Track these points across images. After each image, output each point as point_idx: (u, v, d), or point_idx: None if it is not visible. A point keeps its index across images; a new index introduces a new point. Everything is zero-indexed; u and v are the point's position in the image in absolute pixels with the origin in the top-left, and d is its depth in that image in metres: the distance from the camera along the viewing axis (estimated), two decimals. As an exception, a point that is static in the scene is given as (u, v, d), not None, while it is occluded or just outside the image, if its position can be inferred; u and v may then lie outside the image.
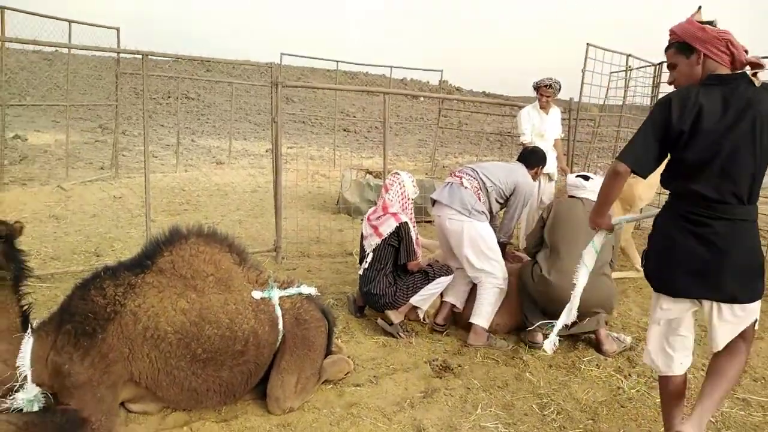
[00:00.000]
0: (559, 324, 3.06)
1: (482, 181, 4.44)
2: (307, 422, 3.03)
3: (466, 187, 4.38)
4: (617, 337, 4.21)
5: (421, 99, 30.35)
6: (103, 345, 2.74)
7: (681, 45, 2.51)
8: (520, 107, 6.79)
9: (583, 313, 4.02)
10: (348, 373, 3.54)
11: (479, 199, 4.38)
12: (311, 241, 6.79)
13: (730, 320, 2.49)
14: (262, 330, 3.07)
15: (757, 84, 2.47)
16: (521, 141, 6.45)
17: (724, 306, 2.48)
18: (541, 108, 6.43)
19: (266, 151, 15.18)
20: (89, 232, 6.44)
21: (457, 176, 4.50)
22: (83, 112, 17.97)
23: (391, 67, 16.15)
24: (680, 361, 2.66)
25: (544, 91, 6.30)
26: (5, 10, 7.60)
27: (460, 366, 3.82)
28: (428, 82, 33.15)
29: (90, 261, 5.43)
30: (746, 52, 2.47)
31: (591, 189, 4.16)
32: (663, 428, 3.09)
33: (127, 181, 9.61)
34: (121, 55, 10.29)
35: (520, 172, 4.59)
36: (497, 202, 4.51)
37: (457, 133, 21.36)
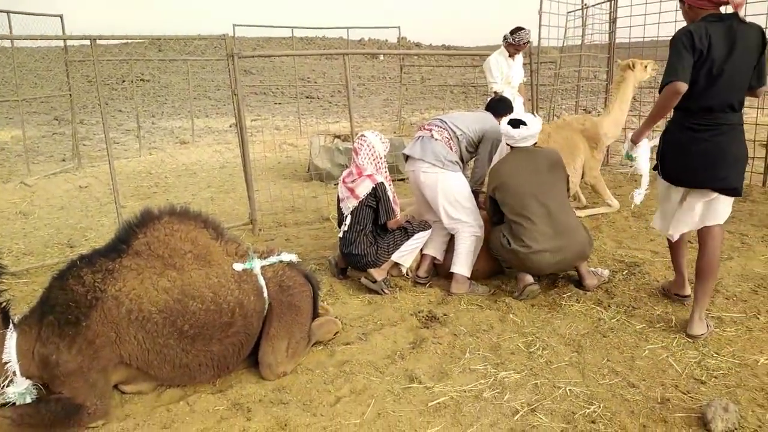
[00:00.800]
0: (645, 183, 3.70)
1: (452, 130, 4.45)
2: (301, 384, 3.09)
3: (436, 139, 4.40)
4: (595, 272, 4.32)
5: (381, 57, 29.97)
6: (89, 332, 2.74)
7: None
8: (482, 57, 6.80)
9: (566, 266, 4.16)
10: (337, 333, 3.59)
11: (451, 149, 4.41)
12: (286, 210, 6.77)
13: (716, 207, 3.43)
14: (248, 300, 3.09)
15: (743, 19, 3.23)
16: (492, 90, 6.47)
17: (711, 195, 3.37)
18: (509, 56, 6.52)
19: (230, 126, 14.92)
20: (59, 225, 6.32)
21: (427, 129, 4.50)
22: (36, 106, 17.40)
23: (347, 28, 15.88)
24: (667, 225, 3.65)
25: (522, 47, 6.46)
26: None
27: (445, 315, 3.90)
28: (387, 41, 32.75)
29: (64, 253, 5.35)
30: None
31: (523, 137, 4.13)
32: (647, 347, 3.23)
33: (91, 170, 9.40)
34: (69, 42, 9.93)
35: (488, 120, 4.62)
36: (467, 150, 4.53)
37: (421, 89, 21.26)
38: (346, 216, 4.36)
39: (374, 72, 28.36)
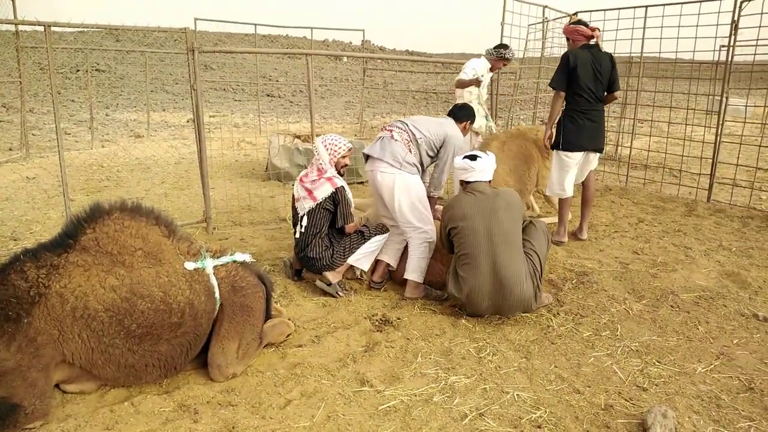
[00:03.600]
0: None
1: (412, 132, 4.46)
2: (251, 386, 3.05)
3: (396, 140, 4.41)
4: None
5: (345, 60, 29.95)
6: (30, 329, 2.64)
7: (565, 35, 5.66)
8: (444, 64, 6.90)
9: (504, 315, 3.96)
10: (289, 335, 3.57)
11: (410, 151, 4.42)
12: (242, 209, 6.68)
13: (592, 161, 5.63)
14: (198, 300, 3.04)
15: (601, 48, 5.45)
16: (460, 77, 6.59)
17: (592, 154, 5.58)
18: (490, 70, 6.76)
19: (187, 122, 14.64)
20: (3, 216, 6.07)
21: (388, 130, 4.51)
22: (-18, 92, 16.66)
23: (311, 28, 15.83)
24: (571, 187, 5.55)
25: (506, 62, 6.75)
26: None
27: (399, 318, 3.92)
28: (351, 43, 32.74)
29: (7, 246, 5.14)
30: (593, 29, 5.39)
31: (480, 169, 3.98)
32: (593, 354, 3.31)
33: (39, 161, 9.07)
34: (21, 27, 9.54)
35: (449, 125, 4.66)
36: (428, 155, 4.54)
37: (383, 93, 21.32)
38: (302, 217, 4.33)
39: (337, 74, 28.31)
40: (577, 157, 5.45)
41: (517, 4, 8.51)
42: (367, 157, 4.51)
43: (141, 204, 3.14)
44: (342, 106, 20.34)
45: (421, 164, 4.53)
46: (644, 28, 7.79)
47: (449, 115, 4.90)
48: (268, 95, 20.91)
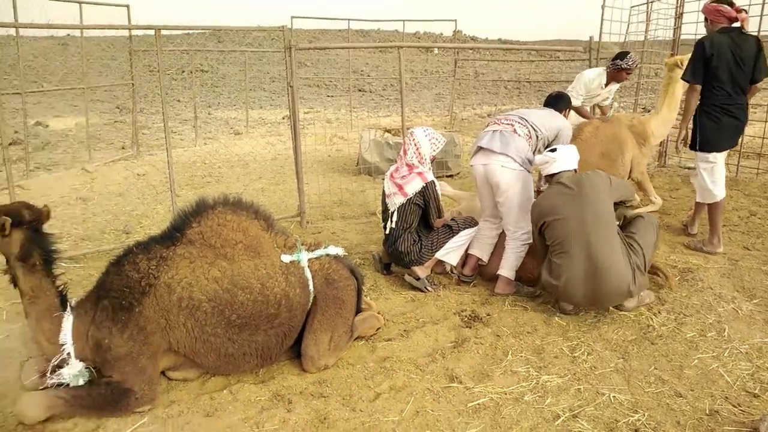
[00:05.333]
0: None
1: (533, 128, 4.28)
2: (342, 378, 3.12)
3: (519, 135, 4.23)
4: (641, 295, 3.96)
5: (435, 51, 29.79)
6: (141, 317, 2.84)
7: (704, 15, 4.93)
8: (538, 51, 6.64)
9: (602, 306, 3.83)
10: (379, 328, 3.62)
11: (530, 149, 4.28)
12: (334, 203, 6.84)
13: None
14: (294, 292, 3.15)
15: (745, 30, 4.74)
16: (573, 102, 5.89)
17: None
18: (606, 83, 6.03)
19: (283, 119, 15.14)
20: (116, 211, 6.57)
21: (507, 123, 4.31)
22: (100, 94, 18.07)
23: (403, 21, 15.88)
24: (721, 189, 4.87)
25: (628, 73, 5.91)
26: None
27: (488, 315, 3.87)
28: (441, 34, 32.46)
29: (120, 239, 5.57)
30: (738, 11, 4.69)
31: (562, 159, 3.91)
32: (697, 356, 3.12)
33: (149, 158, 9.72)
34: (134, 32, 10.24)
35: (558, 117, 4.49)
36: (540, 151, 4.35)
37: (474, 84, 21.00)
38: (392, 212, 4.36)
39: (427, 66, 28.22)
40: (720, 157, 4.82)
41: (619, -16, 8.08)
42: (479, 148, 4.34)
43: (242, 199, 3.29)
44: (432, 99, 20.27)
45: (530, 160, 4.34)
46: None
47: (547, 105, 4.73)
48: (359, 90, 21.22)
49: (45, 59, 22.29)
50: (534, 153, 4.31)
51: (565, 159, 3.91)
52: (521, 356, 3.34)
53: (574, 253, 3.64)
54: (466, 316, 3.85)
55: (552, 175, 3.95)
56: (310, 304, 3.26)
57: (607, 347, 3.42)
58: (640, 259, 3.71)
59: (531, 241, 4.24)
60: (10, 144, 7.46)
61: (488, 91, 21.22)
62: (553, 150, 3.97)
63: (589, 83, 5.96)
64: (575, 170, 3.97)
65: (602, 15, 7.86)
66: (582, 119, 6.05)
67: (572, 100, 5.71)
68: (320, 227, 5.94)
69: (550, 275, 3.76)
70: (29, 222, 2.84)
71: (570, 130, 4.47)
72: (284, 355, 3.30)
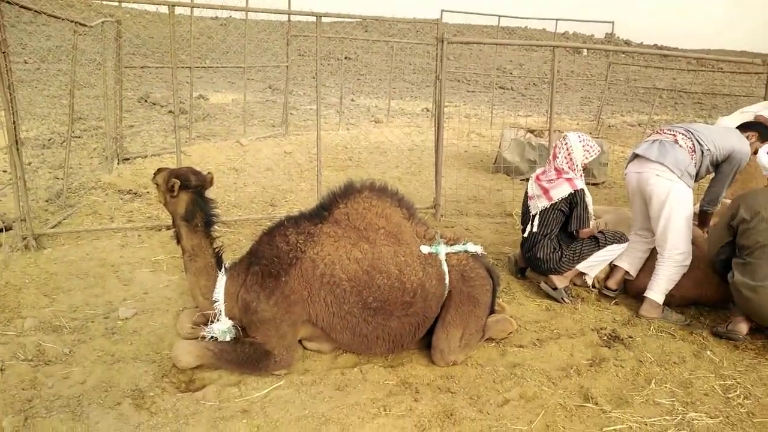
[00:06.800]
0: None
1: (698, 143, 3.96)
2: (470, 377, 3.07)
3: (681, 146, 3.95)
4: None
5: (584, 53, 28.50)
6: (286, 287, 2.97)
7: None
8: (699, 61, 6.08)
9: None
10: (511, 333, 3.51)
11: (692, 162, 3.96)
12: (469, 199, 6.75)
13: None
14: (430, 283, 3.14)
15: None
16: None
17: None
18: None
19: (422, 111, 15.25)
20: (265, 184, 6.97)
21: (669, 134, 4.05)
22: (254, 74, 19.30)
23: (556, 20, 15.32)
24: None
25: None
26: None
27: (630, 337, 3.61)
28: (592, 36, 31.00)
29: (266, 210, 5.89)
30: None
31: None
32: None
33: (295, 138, 10.21)
34: (293, 17, 10.78)
35: (735, 136, 4.06)
36: (708, 170, 4.03)
37: (625, 90, 19.83)
38: (534, 216, 4.20)
39: (574, 67, 27.10)
40: None
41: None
42: (635, 156, 4.10)
43: (387, 186, 3.33)
44: (577, 102, 19.42)
45: (696, 177, 4.02)
46: None
47: (744, 127, 4.28)
48: (500, 87, 20.83)
49: (207, 38, 24.18)
50: (698, 170, 3.96)
51: None
52: (666, 387, 3.08)
53: None
54: (605, 335, 3.62)
55: None
56: (444, 297, 3.23)
57: None
58: None
59: (685, 266, 3.90)
60: (178, 114, 8.17)
61: (640, 99, 19.94)
62: None
63: None
64: None
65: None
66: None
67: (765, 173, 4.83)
68: (454, 222, 5.89)
69: (743, 275, 3.44)
70: (195, 186, 3.09)
71: (746, 152, 3.99)
72: (414, 345, 3.30)
